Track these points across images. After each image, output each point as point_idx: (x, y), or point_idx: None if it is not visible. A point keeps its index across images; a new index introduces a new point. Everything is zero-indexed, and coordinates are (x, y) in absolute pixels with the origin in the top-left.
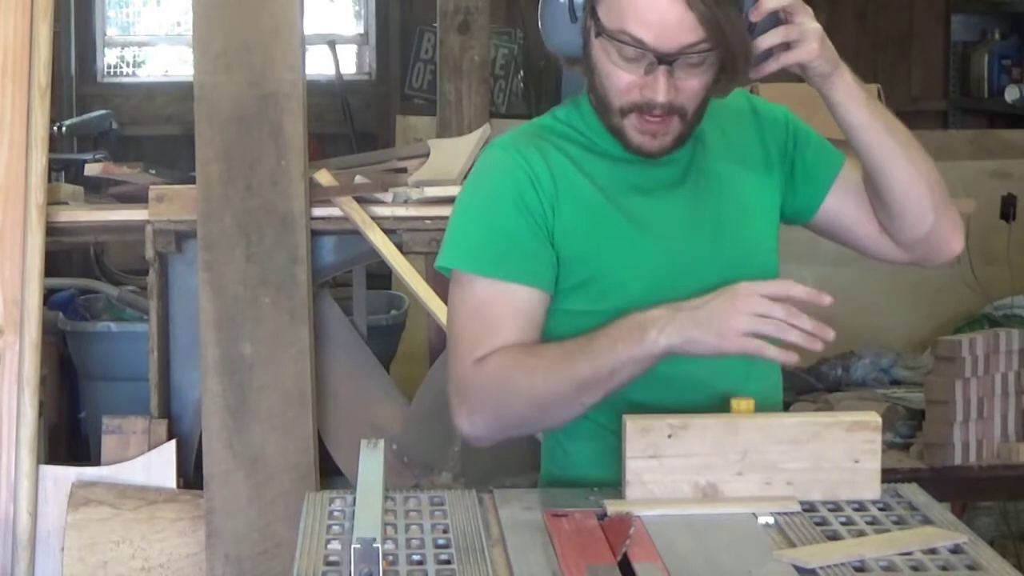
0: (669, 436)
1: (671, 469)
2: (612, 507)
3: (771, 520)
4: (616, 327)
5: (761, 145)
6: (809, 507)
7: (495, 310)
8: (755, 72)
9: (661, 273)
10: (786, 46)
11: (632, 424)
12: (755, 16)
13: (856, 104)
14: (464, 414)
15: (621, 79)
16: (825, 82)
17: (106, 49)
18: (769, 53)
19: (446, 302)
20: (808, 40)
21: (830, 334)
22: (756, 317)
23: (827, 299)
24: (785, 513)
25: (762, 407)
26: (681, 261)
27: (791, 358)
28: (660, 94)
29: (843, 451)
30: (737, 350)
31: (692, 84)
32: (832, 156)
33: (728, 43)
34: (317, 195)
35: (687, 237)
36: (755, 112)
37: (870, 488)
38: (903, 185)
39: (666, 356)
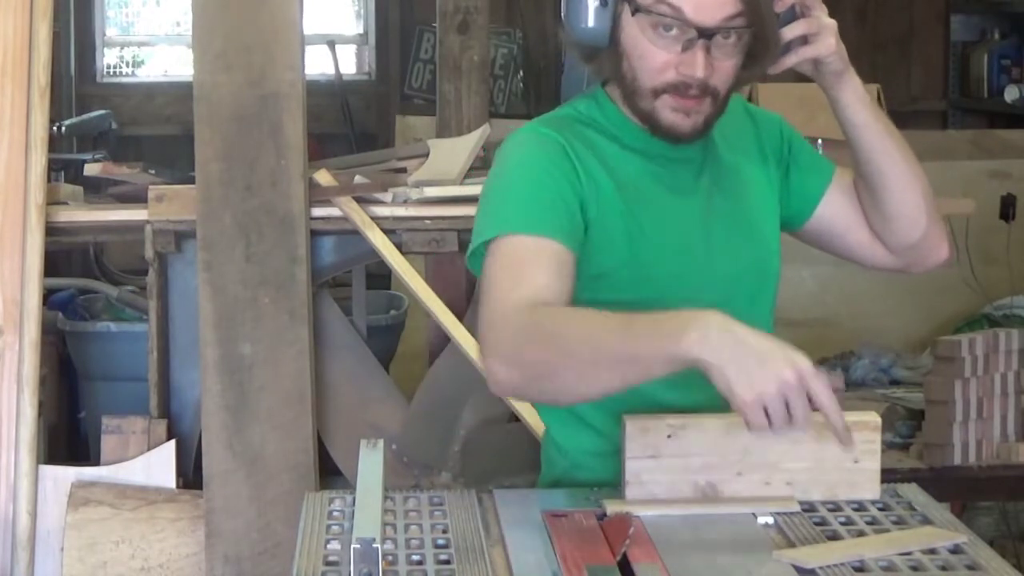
0: (669, 436)
1: (670, 469)
2: (611, 507)
3: (771, 520)
4: (668, 316)
5: (759, 148)
6: (809, 507)
7: (530, 259)
8: (774, 67)
9: (675, 268)
10: (804, 40)
11: (632, 424)
12: (779, 6)
13: (862, 105)
14: (493, 355)
15: (656, 58)
16: (837, 80)
17: (106, 49)
18: (788, 47)
19: (446, 302)
20: (826, 35)
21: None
22: (781, 397)
23: (851, 443)
24: (785, 513)
25: None
26: (696, 257)
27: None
28: (699, 69)
29: (843, 451)
30: (743, 412)
31: (726, 65)
32: (823, 164)
33: (763, 20)
34: (317, 195)
35: (703, 233)
36: (751, 115)
37: (870, 488)
38: (900, 188)
39: (691, 366)
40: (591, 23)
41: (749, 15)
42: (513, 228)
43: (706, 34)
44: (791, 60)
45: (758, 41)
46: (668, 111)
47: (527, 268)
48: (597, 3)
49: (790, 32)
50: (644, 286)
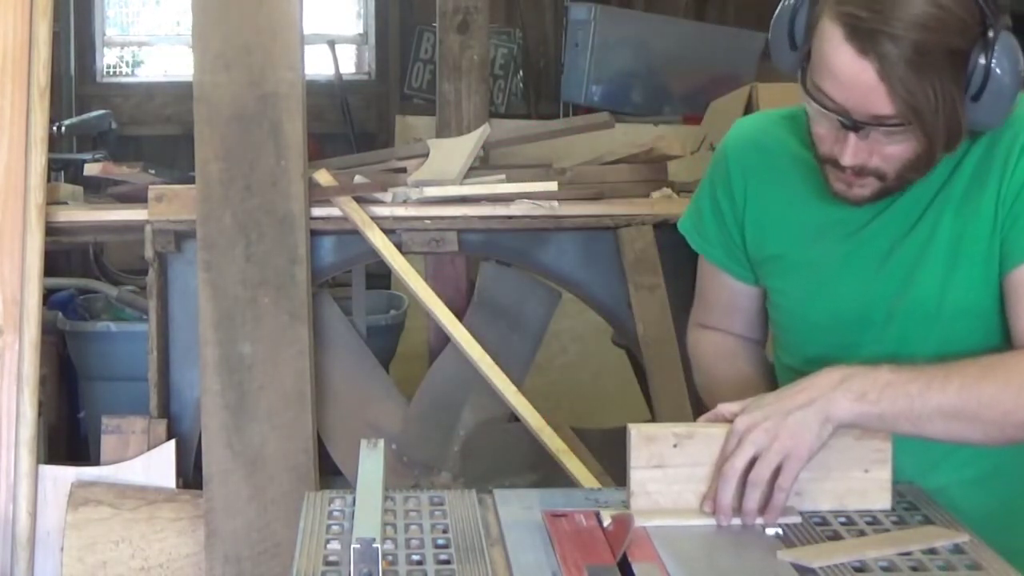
0: (674, 446)
1: (676, 479)
2: (607, 515)
3: (780, 532)
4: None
5: (1010, 191)
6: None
7: (707, 288)
8: None
9: (831, 301)
10: None
11: (637, 433)
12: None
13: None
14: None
15: (818, 127)
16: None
17: (105, 49)
18: None
19: (446, 302)
20: None
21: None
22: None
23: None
24: (789, 524)
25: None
26: (854, 293)
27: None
28: (846, 158)
29: (852, 460)
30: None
31: (890, 151)
32: None
33: (924, 122)
34: (316, 195)
35: (871, 272)
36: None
37: (880, 498)
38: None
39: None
40: (784, 61)
41: (905, 117)
42: (690, 239)
43: (853, 127)
44: None
45: (930, 134)
46: (832, 179)
47: (704, 297)
48: (788, 44)
49: None
50: (796, 276)
